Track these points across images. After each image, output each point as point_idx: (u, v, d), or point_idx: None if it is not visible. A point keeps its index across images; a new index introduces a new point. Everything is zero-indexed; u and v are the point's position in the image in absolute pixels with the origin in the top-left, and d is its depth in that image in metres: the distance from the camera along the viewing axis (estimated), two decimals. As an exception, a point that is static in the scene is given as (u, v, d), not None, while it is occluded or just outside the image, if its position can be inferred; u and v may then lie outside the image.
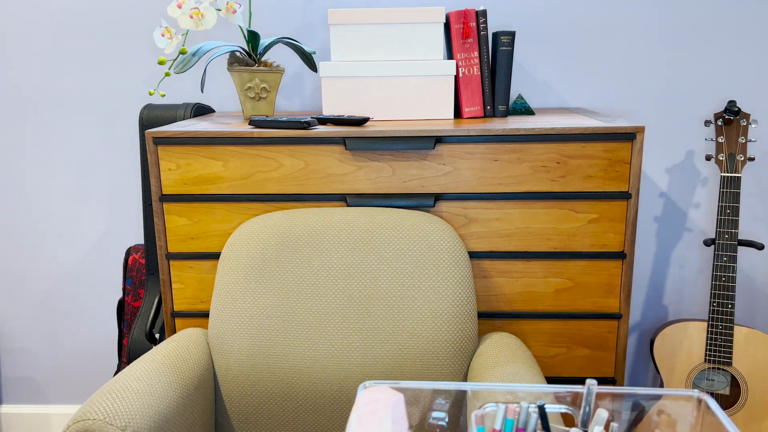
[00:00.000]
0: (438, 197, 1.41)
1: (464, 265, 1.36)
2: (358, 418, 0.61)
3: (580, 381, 1.49)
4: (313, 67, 1.68)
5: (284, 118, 1.45)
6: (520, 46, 1.78)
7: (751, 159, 1.64)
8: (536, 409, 0.70)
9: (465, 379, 1.34)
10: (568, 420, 0.76)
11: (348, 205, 1.43)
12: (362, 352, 1.33)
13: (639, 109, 1.84)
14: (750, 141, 1.64)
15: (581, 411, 0.72)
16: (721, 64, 1.80)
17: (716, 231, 1.64)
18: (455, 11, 1.51)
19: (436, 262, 1.34)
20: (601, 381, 1.48)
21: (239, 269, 1.35)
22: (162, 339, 1.69)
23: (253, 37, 1.57)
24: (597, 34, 1.80)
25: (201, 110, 1.76)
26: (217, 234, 1.46)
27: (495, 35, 1.57)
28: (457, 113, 1.57)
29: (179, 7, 1.44)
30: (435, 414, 0.76)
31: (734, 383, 1.69)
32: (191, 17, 1.45)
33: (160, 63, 1.44)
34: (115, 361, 1.73)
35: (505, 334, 1.40)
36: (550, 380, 1.51)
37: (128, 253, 1.81)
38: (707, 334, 1.66)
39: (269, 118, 1.46)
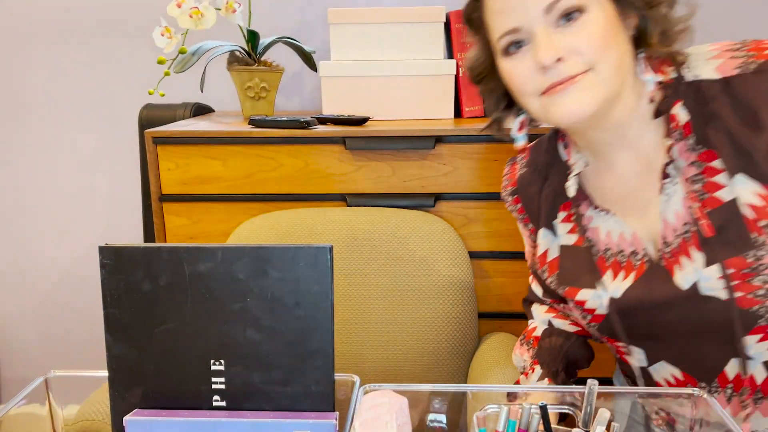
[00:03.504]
0: (438, 197, 1.41)
1: (464, 265, 1.36)
2: (362, 424, 0.61)
3: (581, 381, 1.48)
4: (312, 66, 1.67)
5: (284, 118, 1.45)
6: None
7: None
8: (538, 410, 0.70)
9: (465, 379, 1.33)
10: (569, 420, 0.76)
11: (348, 205, 1.42)
12: (361, 353, 1.33)
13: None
14: None
15: (583, 411, 0.72)
16: None
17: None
18: (455, 10, 1.50)
19: (436, 263, 1.34)
20: (603, 381, 1.48)
21: (239, 269, 1.34)
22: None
23: (252, 37, 1.57)
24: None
25: (200, 110, 1.76)
26: (216, 234, 1.46)
27: (495, 34, 1.56)
28: (458, 113, 1.57)
29: (179, 6, 1.44)
30: (434, 416, 0.76)
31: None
32: (191, 16, 1.44)
33: (160, 62, 1.43)
34: (115, 361, 1.73)
35: (506, 334, 1.40)
36: (551, 380, 1.51)
37: (127, 253, 1.80)
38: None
39: (269, 118, 1.46)
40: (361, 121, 1.44)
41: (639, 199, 0.85)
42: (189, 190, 1.44)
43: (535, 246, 1.00)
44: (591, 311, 0.90)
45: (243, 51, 1.59)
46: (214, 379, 0.67)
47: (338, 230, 1.35)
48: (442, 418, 0.76)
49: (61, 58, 1.90)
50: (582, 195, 0.91)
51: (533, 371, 1.00)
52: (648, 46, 0.80)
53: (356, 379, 0.73)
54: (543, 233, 0.97)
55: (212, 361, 0.66)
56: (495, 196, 1.40)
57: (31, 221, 2.01)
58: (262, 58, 1.60)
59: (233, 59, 1.58)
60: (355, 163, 1.41)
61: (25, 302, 2.07)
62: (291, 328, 0.65)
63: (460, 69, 1.52)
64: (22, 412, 0.74)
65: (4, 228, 2.03)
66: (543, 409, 0.70)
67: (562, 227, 0.94)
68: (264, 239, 1.34)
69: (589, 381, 0.72)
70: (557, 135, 0.97)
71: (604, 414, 0.68)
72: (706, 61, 0.80)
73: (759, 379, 0.81)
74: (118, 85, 1.90)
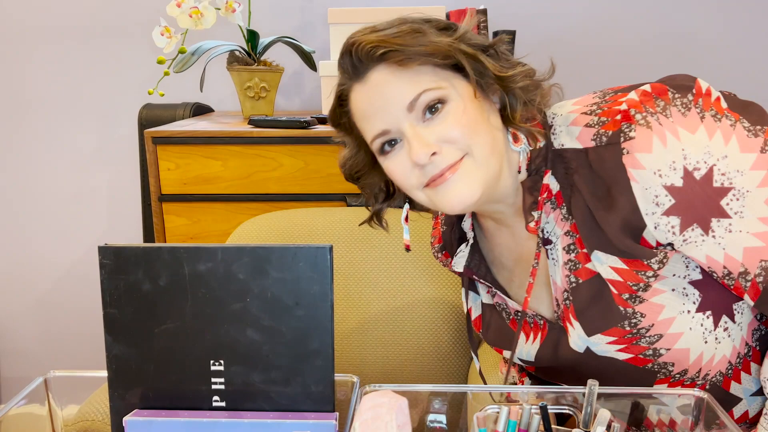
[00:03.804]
0: (438, 197, 1.41)
1: (464, 265, 1.36)
2: (361, 425, 0.61)
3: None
4: (312, 66, 1.67)
5: (284, 118, 1.45)
6: (520, 45, 1.78)
7: None
8: (538, 411, 0.70)
9: (465, 379, 1.33)
10: (569, 421, 0.76)
11: (348, 205, 1.42)
12: (361, 353, 1.33)
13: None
14: None
15: (583, 411, 0.72)
16: (729, 65, 1.80)
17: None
18: (455, 10, 1.50)
19: (436, 262, 1.33)
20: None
21: (239, 269, 1.34)
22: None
23: (252, 37, 1.57)
24: (598, 33, 1.80)
25: (200, 110, 1.76)
26: (216, 234, 1.46)
27: (495, 34, 1.57)
28: (457, 113, 1.57)
29: (178, 6, 1.44)
30: (434, 416, 0.76)
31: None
32: (190, 16, 1.44)
33: (160, 62, 1.43)
34: (114, 361, 1.74)
35: (506, 334, 1.40)
36: (551, 380, 1.51)
37: (127, 252, 1.80)
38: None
39: (269, 118, 1.46)
40: (361, 121, 1.43)
41: (531, 262, 0.86)
42: (189, 190, 1.44)
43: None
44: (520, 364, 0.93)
45: (243, 51, 1.59)
46: (213, 380, 0.67)
47: (338, 230, 1.35)
48: (442, 418, 0.76)
49: (61, 58, 1.90)
50: (475, 267, 0.91)
51: (522, 384, 1.01)
52: (511, 122, 0.79)
53: (356, 379, 0.73)
54: (463, 293, 0.98)
55: (212, 361, 0.66)
56: (495, 196, 1.40)
57: (31, 221, 2.01)
58: (262, 58, 1.60)
59: (233, 59, 1.58)
60: (355, 163, 1.40)
61: (25, 302, 2.07)
62: (291, 328, 0.65)
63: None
64: (22, 412, 0.73)
65: (4, 228, 2.03)
66: (543, 410, 0.70)
67: (482, 287, 0.96)
68: (264, 239, 1.34)
69: (589, 381, 0.72)
70: None
71: (604, 414, 0.68)
72: (567, 128, 0.79)
73: (679, 419, 0.83)
74: (118, 85, 1.90)
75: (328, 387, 0.67)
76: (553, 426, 0.71)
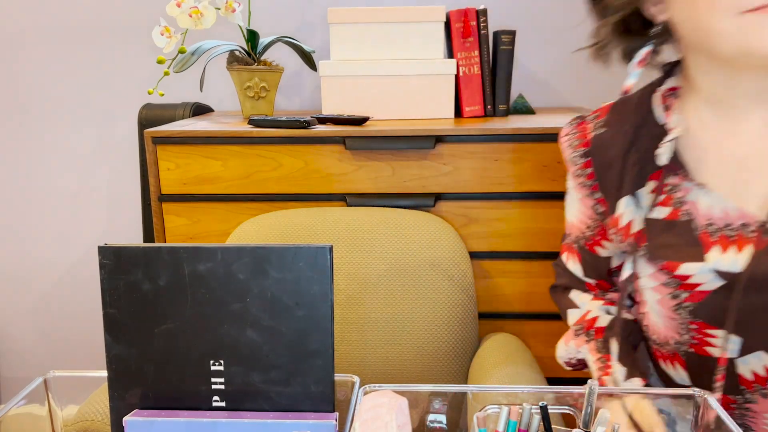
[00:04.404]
0: (438, 197, 1.41)
1: (465, 265, 1.36)
2: (362, 425, 0.61)
3: (582, 381, 1.48)
4: (312, 66, 1.67)
5: (284, 118, 1.45)
6: (520, 45, 1.78)
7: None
8: (538, 410, 0.70)
9: (465, 379, 1.33)
10: (570, 421, 0.76)
11: (348, 205, 1.42)
12: (361, 353, 1.33)
13: (639, 109, 1.83)
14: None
15: (583, 411, 0.72)
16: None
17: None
18: (455, 10, 1.50)
19: (436, 263, 1.33)
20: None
21: (239, 269, 1.34)
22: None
23: (252, 36, 1.57)
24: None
25: (200, 109, 1.76)
26: (216, 234, 1.45)
27: (496, 34, 1.57)
28: (458, 112, 1.57)
29: (178, 5, 1.44)
30: (434, 417, 0.76)
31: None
32: (190, 16, 1.44)
33: (159, 62, 1.43)
34: (114, 361, 1.73)
35: (506, 334, 1.40)
36: (552, 381, 1.51)
37: (127, 252, 1.80)
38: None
39: (269, 118, 1.45)
40: (361, 121, 1.44)
41: (760, 163, 0.77)
42: (189, 190, 1.44)
43: (594, 217, 0.93)
44: (692, 287, 0.81)
45: (243, 50, 1.59)
46: (213, 380, 0.67)
47: (338, 230, 1.35)
48: (442, 418, 0.76)
49: (61, 58, 1.90)
50: (676, 164, 0.82)
51: (607, 368, 0.91)
52: None
53: (356, 379, 0.73)
54: (626, 202, 0.87)
55: (212, 362, 0.66)
56: (496, 196, 1.40)
57: (31, 221, 2.01)
58: (262, 58, 1.60)
59: (233, 59, 1.58)
60: (355, 163, 1.40)
61: (25, 302, 2.07)
62: (291, 328, 0.65)
63: (460, 68, 1.52)
64: (22, 412, 0.73)
65: (4, 228, 2.03)
66: (543, 410, 0.70)
67: (649, 198, 0.85)
68: (264, 239, 1.34)
69: (589, 381, 0.72)
70: (651, 94, 0.88)
71: (604, 414, 0.68)
72: None
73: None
74: (117, 85, 1.90)
75: (328, 387, 0.67)
76: (553, 426, 0.71)
